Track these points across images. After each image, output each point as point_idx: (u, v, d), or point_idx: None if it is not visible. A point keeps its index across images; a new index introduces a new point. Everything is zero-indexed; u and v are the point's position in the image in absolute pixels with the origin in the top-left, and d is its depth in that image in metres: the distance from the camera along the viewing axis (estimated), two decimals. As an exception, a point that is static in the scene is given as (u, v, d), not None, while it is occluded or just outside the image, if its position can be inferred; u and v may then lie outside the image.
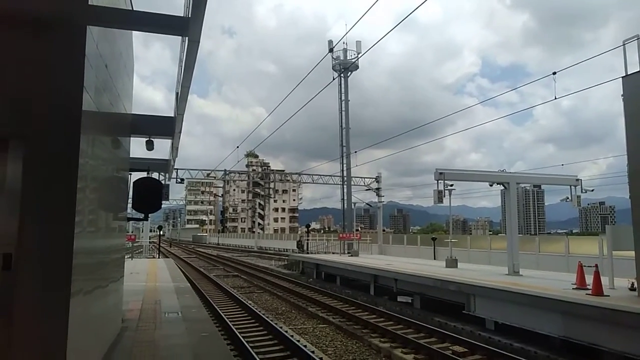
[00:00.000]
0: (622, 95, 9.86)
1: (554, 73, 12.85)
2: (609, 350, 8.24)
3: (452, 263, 17.01)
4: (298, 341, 9.73)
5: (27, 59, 3.69)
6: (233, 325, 11.20)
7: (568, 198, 15.63)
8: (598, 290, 9.48)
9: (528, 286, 10.85)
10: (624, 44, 9.85)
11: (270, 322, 11.65)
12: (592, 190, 16.08)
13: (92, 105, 4.31)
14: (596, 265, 10.00)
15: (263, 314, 12.90)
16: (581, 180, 15.50)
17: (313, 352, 8.89)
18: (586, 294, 9.60)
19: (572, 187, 15.57)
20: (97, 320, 5.19)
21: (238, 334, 10.08)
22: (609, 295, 9.31)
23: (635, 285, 9.59)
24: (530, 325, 10.00)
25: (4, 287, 3.42)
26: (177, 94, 6.50)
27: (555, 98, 13.36)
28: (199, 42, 4.23)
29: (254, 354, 8.45)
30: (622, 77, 9.79)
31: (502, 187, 15.25)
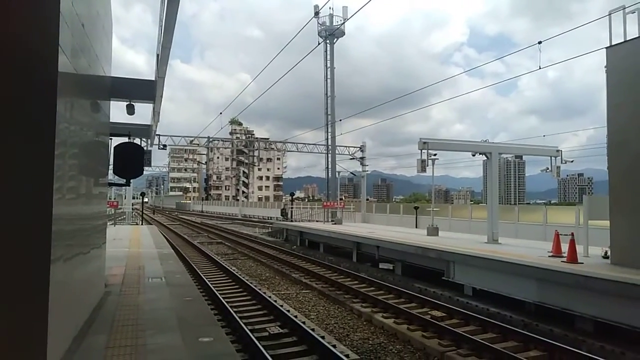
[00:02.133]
0: (605, 67, 9.91)
1: (540, 42, 12.83)
2: (581, 315, 8.58)
3: (433, 231, 17.30)
4: (281, 306, 9.90)
5: (-2, 16, 3.52)
6: (217, 290, 11.32)
7: (548, 169, 15.88)
8: (573, 257, 9.77)
9: (506, 254, 11.13)
10: (609, 14, 9.84)
11: (253, 287, 11.80)
12: (572, 161, 16.37)
13: (69, 67, 4.17)
14: (572, 234, 10.28)
15: (247, 280, 13.05)
16: (561, 151, 15.73)
17: (296, 316, 9.06)
18: (561, 261, 9.89)
19: (552, 158, 15.79)
20: (79, 285, 5.18)
21: (222, 299, 10.20)
22: (583, 263, 9.61)
23: (609, 253, 9.91)
24: (507, 291, 10.31)
25: (-18, 251, 3.37)
26: (157, 55, 6.32)
27: (540, 68, 13.39)
28: None
29: (237, 318, 8.58)
30: (606, 47, 9.82)
31: (485, 157, 15.42)
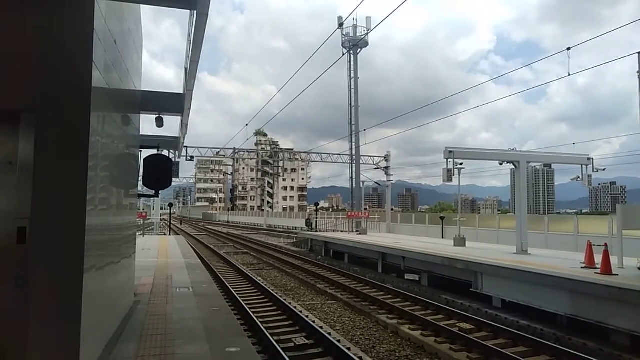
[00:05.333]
0: (637, 72, 9.67)
1: (569, 49, 12.59)
2: (616, 329, 8.28)
3: (460, 242, 17.04)
4: (307, 317, 9.88)
5: (36, 34, 3.69)
6: (243, 300, 11.38)
7: (579, 177, 15.46)
8: (607, 269, 9.47)
9: (536, 265, 10.86)
10: (641, 19, 9.62)
11: (279, 297, 11.82)
12: (604, 170, 15.92)
13: (102, 82, 4.32)
14: (605, 245, 9.96)
15: (272, 290, 13.08)
16: (593, 159, 15.31)
17: (321, 327, 9.03)
18: (595, 272, 9.60)
19: (583, 166, 15.39)
20: (110, 294, 5.30)
21: (248, 309, 10.25)
22: (617, 274, 9.30)
23: (645, 264, 9.56)
24: (537, 303, 10.04)
25: (20, 260, 3.50)
26: (186, 69, 6.47)
27: (569, 74, 13.13)
28: (207, 14, 4.16)
29: (263, 328, 8.60)
30: (638, 52, 9.59)
31: (512, 166, 15.14)
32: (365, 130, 31.88)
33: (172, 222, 49.84)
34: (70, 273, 3.61)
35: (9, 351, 3.46)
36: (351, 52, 32.82)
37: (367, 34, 33.10)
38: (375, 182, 34.84)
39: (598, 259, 9.99)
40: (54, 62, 3.73)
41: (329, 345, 7.76)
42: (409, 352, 8.33)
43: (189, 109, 8.28)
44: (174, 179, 9.43)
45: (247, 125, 30.95)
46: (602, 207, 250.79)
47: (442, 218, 26.31)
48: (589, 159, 15.33)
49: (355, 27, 33.25)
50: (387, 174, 32.33)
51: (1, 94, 3.59)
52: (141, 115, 8.03)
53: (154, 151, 8.08)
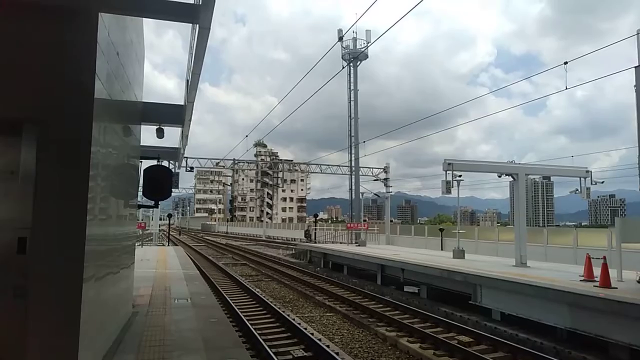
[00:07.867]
0: (634, 86, 9.74)
1: (566, 63, 12.70)
2: (616, 342, 8.24)
3: (459, 254, 17.01)
4: (305, 329, 9.83)
5: (40, 45, 3.74)
6: (241, 312, 11.33)
7: (577, 190, 15.51)
8: (606, 282, 9.46)
9: (535, 277, 10.84)
10: (638, 33, 9.71)
11: (277, 309, 11.77)
12: (602, 182, 15.94)
13: (104, 93, 4.36)
14: (604, 257, 9.96)
15: (270, 302, 13.03)
16: (591, 172, 15.36)
17: (320, 339, 8.98)
18: (594, 285, 9.58)
19: (581, 178, 15.45)
20: (108, 304, 5.29)
21: (246, 321, 10.21)
22: (616, 288, 9.29)
23: (644, 277, 9.56)
24: (537, 316, 10.01)
25: (20, 270, 3.50)
26: (187, 81, 6.52)
27: (567, 88, 13.21)
28: (209, 29, 4.22)
29: (261, 340, 8.56)
30: (635, 67, 9.67)
31: (511, 179, 15.18)
32: (365, 141, 32.01)
33: (170, 232, 49.71)
34: (70, 283, 3.62)
35: (8, 361, 3.46)
36: (351, 64, 33.07)
37: (367, 47, 33.37)
38: (375, 194, 34.87)
39: (597, 272, 9.98)
40: (57, 73, 3.78)
41: (327, 358, 7.71)
42: (407, 364, 8.28)
43: (190, 120, 8.33)
44: (173, 190, 9.45)
45: (247, 136, 31.06)
46: (601, 219, 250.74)
47: (441, 230, 26.31)
48: (587, 171, 15.39)
49: (355, 39, 33.52)
50: (386, 185, 32.40)
51: (4, 103, 3.62)
52: (142, 126, 8.07)
53: (154, 162, 8.10)
